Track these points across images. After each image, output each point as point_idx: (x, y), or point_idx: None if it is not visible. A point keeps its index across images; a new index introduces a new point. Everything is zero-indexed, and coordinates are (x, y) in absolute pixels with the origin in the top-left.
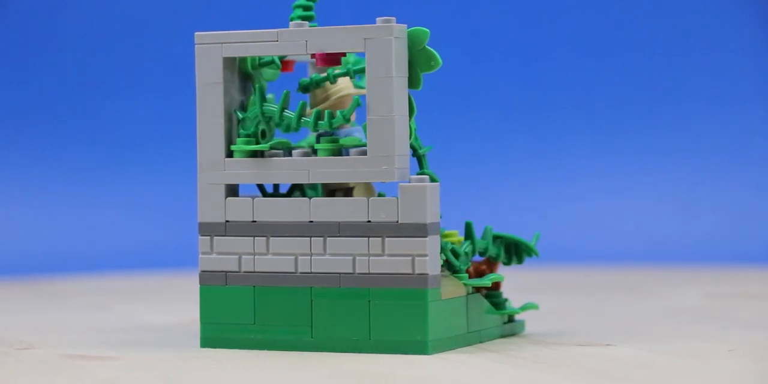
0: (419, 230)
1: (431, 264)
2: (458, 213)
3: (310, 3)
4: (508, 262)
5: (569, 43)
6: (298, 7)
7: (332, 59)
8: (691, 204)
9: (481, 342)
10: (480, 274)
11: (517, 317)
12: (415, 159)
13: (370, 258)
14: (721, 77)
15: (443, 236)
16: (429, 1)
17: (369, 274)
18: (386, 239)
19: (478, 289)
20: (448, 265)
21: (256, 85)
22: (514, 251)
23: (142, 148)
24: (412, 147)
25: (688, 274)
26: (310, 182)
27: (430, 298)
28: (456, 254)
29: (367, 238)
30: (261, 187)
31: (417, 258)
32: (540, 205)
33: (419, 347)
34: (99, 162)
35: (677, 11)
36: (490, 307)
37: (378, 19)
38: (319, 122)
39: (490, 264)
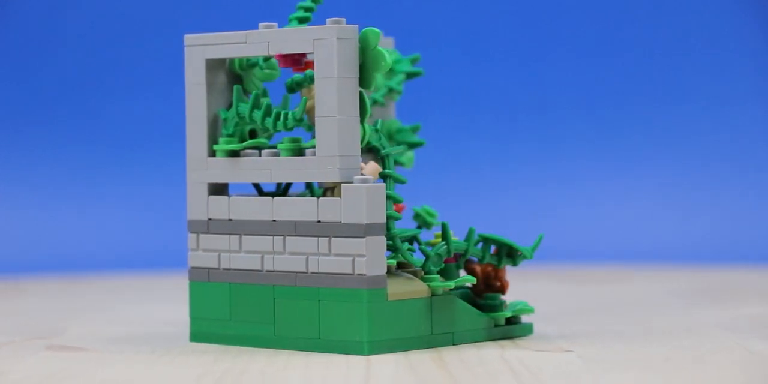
0: (358, 230)
1: (370, 264)
2: (457, 214)
3: (313, 5)
4: (498, 264)
5: (569, 43)
6: (301, 7)
7: (291, 60)
8: (691, 205)
9: (453, 344)
10: (486, 276)
11: (525, 319)
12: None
13: (320, 258)
14: (722, 78)
15: (436, 237)
16: (429, 2)
17: (319, 273)
18: (332, 239)
19: (481, 289)
20: (423, 265)
21: (235, 86)
22: (506, 253)
23: (141, 148)
24: (374, 147)
25: (689, 275)
26: (272, 182)
27: (368, 298)
28: (426, 255)
29: (317, 238)
30: (256, 185)
31: (357, 258)
32: (539, 206)
33: (358, 348)
34: (99, 162)
35: (677, 11)
36: (471, 308)
37: (328, 20)
38: (277, 122)
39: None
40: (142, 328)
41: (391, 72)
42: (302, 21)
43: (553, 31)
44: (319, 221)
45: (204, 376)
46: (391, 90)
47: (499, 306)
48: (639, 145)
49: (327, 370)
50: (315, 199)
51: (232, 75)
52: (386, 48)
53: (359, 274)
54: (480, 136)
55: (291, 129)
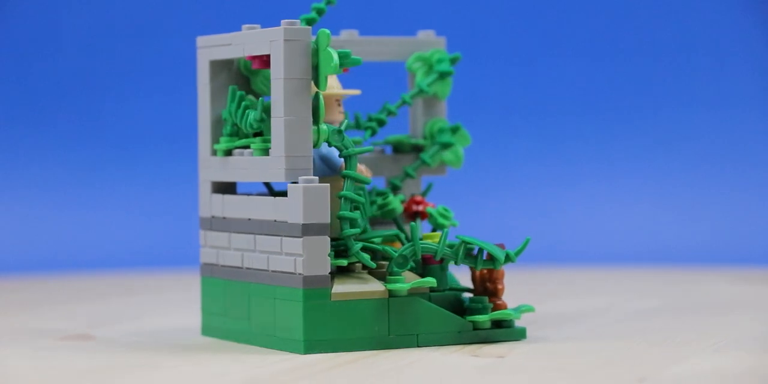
0: (297, 230)
1: (307, 264)
2: (457, 214)
3: (324, 6)
4: (476, 267)
5: (569, 44)
6: (314, 9)
7: (261, 61)
8: (692, 207)
9: (418, 346)
10: (482, 278)
11: (518, 323)
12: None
13: (276, 257)
14: (722, 80)
15: (425, 238)
16: (428, 2)
17: (276, 272)
18: (283, 238)
19: (479, 291)
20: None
21: (230, 87)
22: (485, 256)
23: (142, 148)
24: (337, 148)
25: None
26: (246, 181)
27: (305, 298)
28: (390, 257)
29: (272, 237)
30: (267, 183)
31: (297, 258)
32: (538, 207)
33: (297, 346)
34: (99, 162)
35: (680, 15)
36: (441, 310)
37: (282, 21)
38: (247, 123)
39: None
40: (165, 322)
41: (430, 71)
42: (309, 22)
43: (553, 31)
44: (275, 221)
45: (90, 370)
46: (421, 91)
47: (481, 309)
48: (639, 145)
49: (218, 367)
50: (272, 198)
51: (240, 76)
52: (338, 49)
53: (299, 274)
54: (479, 137)
55: (256, 129)
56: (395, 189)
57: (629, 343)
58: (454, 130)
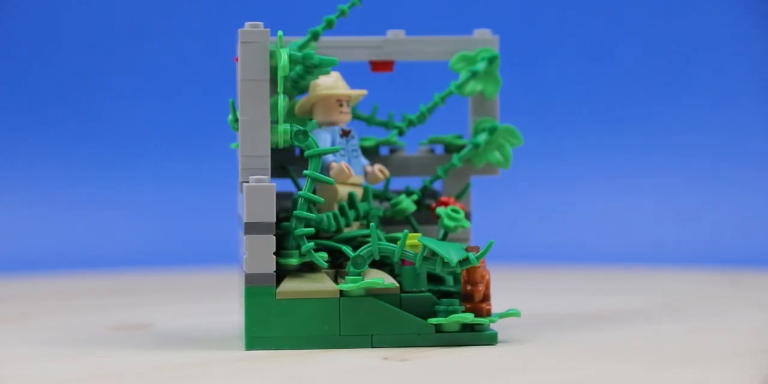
0: (243, 229)
1: (249, 262)
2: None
3: (346, 8)
4: (435, 270)
5: (569, 45)
6: (339, 10)
7: None
8: (693, 206)
9: (372, 347)
10: (464, 281)
11: (493, 326)
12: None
13: (241, 254)
14: (722, 80)
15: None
16: (427, 2)
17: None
18: (240, 236)
19: (463, 294)
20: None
21: None
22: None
23: (142, 148)
24: (301, 148)
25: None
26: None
27: (247, 295)
28: (346, 256)
29: (241, 234)
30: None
31: (243, 255)
32: (538, 207)
33: (242, 342)
34: (99, 162)
35: (680, 15)
36: (400, 312)
37: (246, 23)
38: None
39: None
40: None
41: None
42: (329, 23)
43: (553, 31)
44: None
45: (30, 359)
46: (451, 91)
47: (444, 312)
48: (639, 145)
49: (147, 359)
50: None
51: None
52: (294, 50)
53: (243, 271)
54: None
55: (235, 129)
56: (425, 189)
57: (575, 348)
58: (492, 131)
